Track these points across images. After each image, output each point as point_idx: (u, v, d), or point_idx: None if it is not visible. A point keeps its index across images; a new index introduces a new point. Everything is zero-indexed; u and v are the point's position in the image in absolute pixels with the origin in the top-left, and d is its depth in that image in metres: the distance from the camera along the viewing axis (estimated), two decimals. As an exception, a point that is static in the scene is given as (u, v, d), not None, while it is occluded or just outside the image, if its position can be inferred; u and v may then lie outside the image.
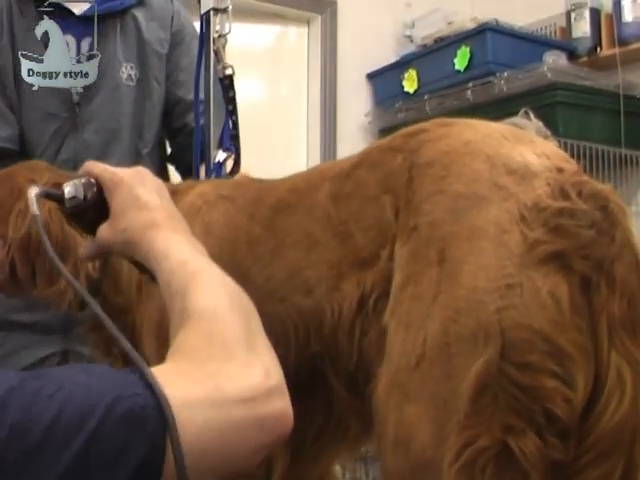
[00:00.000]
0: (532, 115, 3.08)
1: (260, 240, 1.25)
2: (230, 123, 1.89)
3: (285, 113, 4.35)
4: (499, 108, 3.35)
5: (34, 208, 1.05)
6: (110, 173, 1.09)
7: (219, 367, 0.80)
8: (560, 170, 1.01)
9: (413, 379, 1.00)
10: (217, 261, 1.25)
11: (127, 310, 1.38)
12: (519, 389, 0.92)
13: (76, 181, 1.11)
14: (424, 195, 1.06)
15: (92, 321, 1.46)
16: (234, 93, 1.89)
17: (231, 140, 1.88)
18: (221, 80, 1.89)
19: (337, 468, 1.47)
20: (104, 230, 1.08)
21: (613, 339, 0.95)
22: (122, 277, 1.41)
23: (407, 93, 4.08)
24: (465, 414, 0.94)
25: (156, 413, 0.71)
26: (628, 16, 3.60)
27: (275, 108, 4.29)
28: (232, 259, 1.25)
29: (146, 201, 1.05)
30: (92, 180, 1.10)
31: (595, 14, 3.77)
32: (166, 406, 0.71)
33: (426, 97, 3.90)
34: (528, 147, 1.05)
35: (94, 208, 1.10)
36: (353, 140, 4.11)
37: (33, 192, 1.07)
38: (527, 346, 0.93)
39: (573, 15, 3.81)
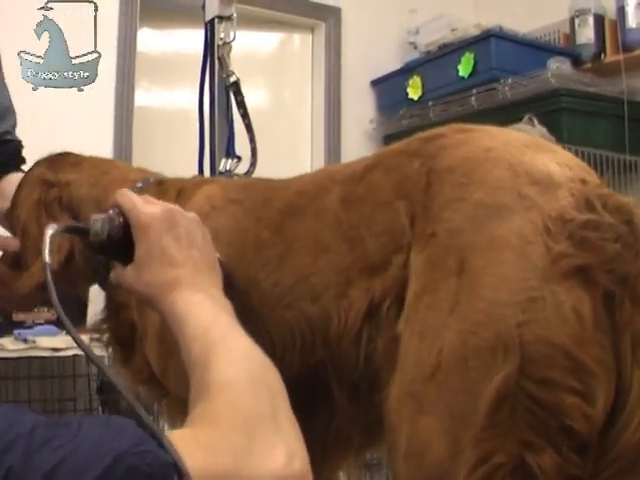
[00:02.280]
0: (536, 121, 3.08)
1: (268, 244, 1.23)
2: (231, 126, 1.90)
3: (289, 120, 4.36)
4: (503, 114, 3.35)
5: (46, 254, 1.00)
6: (137, 212, 1.05)
7: (240, 442, 0.76)
8: (583, 181, 0.98)
9: (428, 390, 0.98)
10: (225, 265, 1.26)
11: (127, 306, 1.39)
12: (538, 405, 0.90)
13: (103, 216, 1.07)
14: (444, 202, 1.03)
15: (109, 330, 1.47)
16: (242, 97, 1.90)
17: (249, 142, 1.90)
18: (226, 87, 1.90)
19: (341, 475, 1.47)
20: (128, 276, 1.06)
21: (637, 355, 0.92)
22: None
23: (411, 100, 4.09)
24: (482, 428, 0.92)
25: (165, 472, 0.69)
26: (632, 22, 3.60)
27: (279, 115, 4.30)
28: (240, 263, 1.24)
29: (172, 256, 1.03)
30: (118, 211, 1.07)
31: (599, 20, 3.77)
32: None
33: (430, 104, 3.91)
34: (550, 156, 1.02)
35: (119, 243, 1.08)
36: (357, 146, 4.12)
37: (50, 232, 1.02)
38: (547, 361, 0.90)
39: (577, 21, 3.81)
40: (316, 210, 1.19)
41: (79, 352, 2.87)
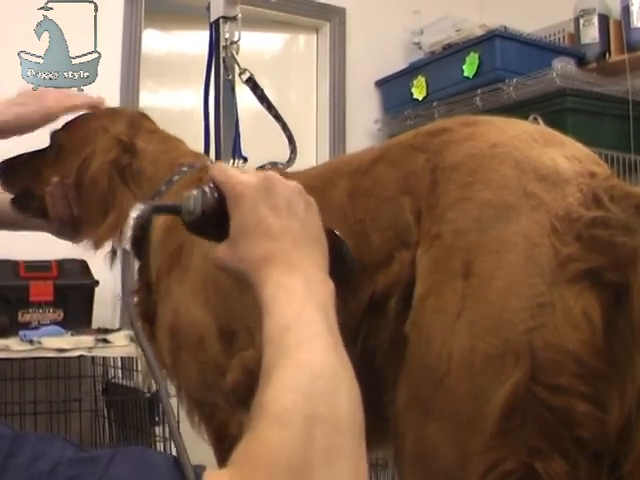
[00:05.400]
0: (541, 121, 3.07)
1: None
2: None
3: (294, 120, 4.33)
4: (508, 114, 3.31)
5: (127, 239, 0.90)
6: (232, 183, 0.94)
7: None
8: (592, 175, 0.96)
9: (436, 396, 0.96)
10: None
11: (154, 288, 1.40)
12: (549, 412, 0.89)
13: (196, 192, 0.97)
14: (449, 202, 1.01)
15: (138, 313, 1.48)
16: (262, 90, 1.89)
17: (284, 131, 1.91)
18: (231, 85, 1.90)
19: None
20: (221, 253, 0.95)
21: None
22: (151, 260, 1.42)
23: (416, 100, 4.09)
24: (491, 435, 0.91)
25: None
26: (637, 22, 3.59)
27: (284, 115, 4.27)
28: None
29: (267, 226, 0.90)
30: (213, 187, 0.97)
31: (604, 20, 3.76)
32: None
33: (435, 104, 3.90)
34: (558, 150, 1.00)
35: (215, 219, 0.97)
36: (362, 147, 4.07)
37: (136, 213, 0.93)
38: (558, 368, 0.89)
39: (582, 21, 3.81)
40: (323, 205, 1.19)
41: (85, 353, 2.89)
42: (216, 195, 0.96)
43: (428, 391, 0.97)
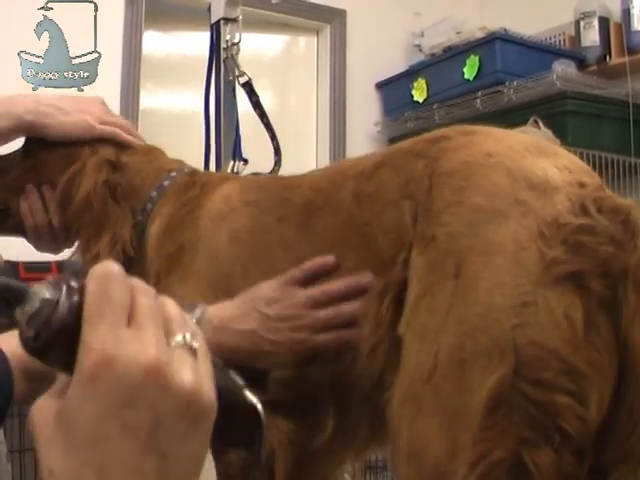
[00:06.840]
0: (541, 124, 3.08)
1: (297, 244, 1.25)
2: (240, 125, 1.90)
3: (294, 122, 4.36)
4: (508, 117, 3.35)
5: None
6: (92, 342, 0.55)
7: None
8: (582, 185, 1.00)
9: (426, 392, 1.00)
10: (252, 268, 1.25)
11: None
12: (533, 405, 0.92)
13: (49, 294, 0.56)
14: (443, 205, 1.05)
15: None
16: (257, 97, 1.90)
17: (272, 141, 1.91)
18: (234, 88, 1.91)
19: (347, 477, 1.47)
20: (44, 412, 0.56)
21: None
22: (147, 263, 1.43)
23: (416, 102, 4.09)
24: (480, 428, 0.94)
25: None
26: (637, 25, 3.60)
27: (284, 117, 4.30)
28: (269, 266, 1.25)
29: (104, 457, 0.54)
30: (77, 301, 0.57)
31: (604, 23, 3.77)
32: None
33: (435, 106, 3.90)
34: (551, 160, 1.04)
35: (63, 341, 0.56)
36: (362, 149, 4.07)
37: None
38: (541, 364, 0.92)
39: (582, 24, 3.81)
40: (333, 207, 1.22)
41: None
42: (75, 299, 0.57)
43: (420, 388, 1.01)
